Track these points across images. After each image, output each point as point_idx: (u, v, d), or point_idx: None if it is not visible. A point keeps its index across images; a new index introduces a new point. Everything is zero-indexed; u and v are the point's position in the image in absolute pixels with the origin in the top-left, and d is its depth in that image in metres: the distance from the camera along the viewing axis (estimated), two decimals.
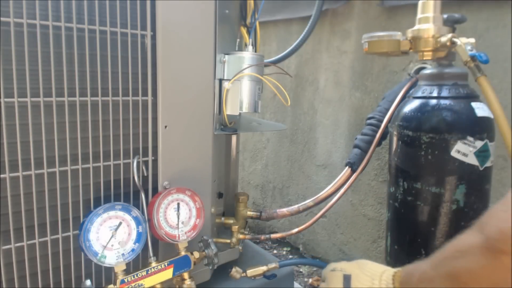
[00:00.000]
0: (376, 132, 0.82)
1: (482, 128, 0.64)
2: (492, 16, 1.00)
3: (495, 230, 0.43)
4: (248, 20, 0.78)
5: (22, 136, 0.51)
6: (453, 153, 0.63)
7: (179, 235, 0.62)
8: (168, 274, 0.60)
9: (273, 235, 0.83)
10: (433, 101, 0.66)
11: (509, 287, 0.42)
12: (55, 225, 0.56)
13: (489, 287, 0.44)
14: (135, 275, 0.56)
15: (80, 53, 0.54)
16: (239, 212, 0.83)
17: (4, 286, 0.53)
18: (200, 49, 0.66)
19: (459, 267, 0.46)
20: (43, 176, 0.54)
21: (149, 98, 0.62)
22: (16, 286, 0.54)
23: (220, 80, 0.72)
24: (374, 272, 0.59)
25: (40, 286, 0.56)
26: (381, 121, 0.82)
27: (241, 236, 0.79)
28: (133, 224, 0.57)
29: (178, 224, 0.62)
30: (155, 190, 0.65)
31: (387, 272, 0.58)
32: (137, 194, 0.62)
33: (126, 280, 0.55)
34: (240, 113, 0.76)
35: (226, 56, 0.72)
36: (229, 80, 0.71)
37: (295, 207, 0.86)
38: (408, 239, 0.72)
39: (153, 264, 0.59)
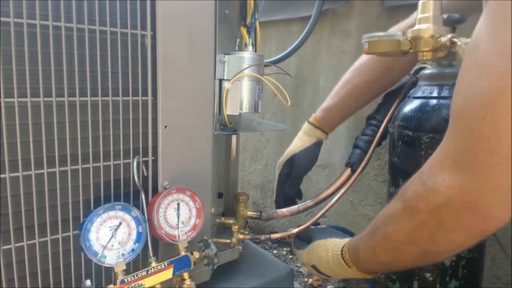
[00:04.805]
0: (376, 132, 0.82)
1: None
2: None
3: (411, 193, 0.51)
4: (248, 20, 0.78)
5: (22, 136, 0.51)
6: None
7: (179, 235, 0.62)
8: (168, 274, 0.60)
9: (273, 235, 0.83)
10: (433, 101, 0.66)
11: (425, 238, 0.51)
12: (55, 225, 0.56)
13: (412, 240, 0.53)
14: (135, 275, 0.56)
15: (80, 53, 0.54)
16: (239, 212, 0.83)
17: (4, 286, 0.53)
18: (200, 49, 0.66)
19: (389, 230, 0.56)
20: (43, 176, 0.54)
21: (149, 98, 0.62)
22: (16, 286, 0.54)
23: (220, 80, 0.72)
24: (329, 245, 0.71)
25: (40, 286, 0.56)
26: (381, 121, 0.82)
27: (241, 236, 0.79)
28: (133, 224, 0.57)
29: (178, 224, 0.62)
30: (155, 190, 0.65)
31: (338, 245, 0.69)
32: (137, 194, 0.62)
33: (126, 280, 0.55)
34: (240, 113, 0.76)
35: (226, 56, 0.72)
36: (229, 80, 0.71)
37: (295, 207, 0.86)
38: None
39: (153, 264, 0.59)
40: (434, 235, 0.50)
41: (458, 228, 0.48)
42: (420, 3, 0.64)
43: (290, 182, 0.87)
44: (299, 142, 0.89)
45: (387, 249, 0.58)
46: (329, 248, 0.70)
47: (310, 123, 0.90)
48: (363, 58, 0.86)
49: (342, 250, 0.68)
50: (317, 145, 0.89)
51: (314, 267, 0.73)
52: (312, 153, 0.88)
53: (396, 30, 0.81)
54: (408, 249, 0.55)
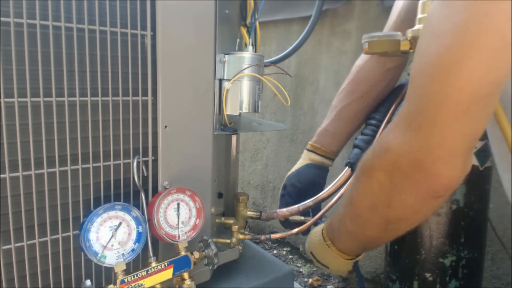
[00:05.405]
0: (376, 132, 0.82)
1: None
2: None
3: (369, 154, 0.55)
4: (248, 20, 0.78)
5: (22, 136, 0.51)
6: None
7: (179, 235, 0.62)
8: (168, 274, 0.60)
9: (273, 235, 0.83)
10: None
11: (382, 201, 0.53)
12: (55, 225, 0.56)
13: (371, 205, 0.55)
14: (135, 275, 0.56)
15: (80, 53, 0.54)
16: (239, 212, 0.83)
17: (4, 286, 0.53)
18: (200, 49, 0.66)
19: (353, 194, 0.59)
20: (43, 176, 0.54)
21: (149, 98, 0.62)
22: (16, 286, 0.54)
23: (220, 80, 0.72)
24: (318, 229, 0.73)
25: (40, 286, 0.56)
26: (381, 121, 0.82)
27: (241, 236, 0.79)
28: (133, 224, 0.57)
29: (178, 224, 0.62)
30: (155, 190, 0.65)
31: (319, 227, 0.73)
32: (137, 194, 0.62)
33: (126, 280, 0.55)
34: (240, 113, 0.76)
35: (226, 56, 0.72)
36: (229, 80, 0.71)
37: (295, 207, 0.86)
38: (407, 239, 0.72)
39: (153, 264, 0.59)
40: (389, 197, 0.52)
41: (408, 188, 0.50)
42: (420, 3, 0.64)
43: (284, 202, 0.89)
44: (294, 167, 0.92)
45: (352, 216, 0.61)
46: (317, 232, 0.72)
47: (306, 148, 0.94)
48: (345, 82, 0.91)
49: (322, 230, 0.70)
50: (310, 166, 0.90)
51: (312, 254, 0.74)
52: (303, 174, 0.90)
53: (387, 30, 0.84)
54: (370, 217, 0.57)
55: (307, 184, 0.88)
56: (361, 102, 0.89)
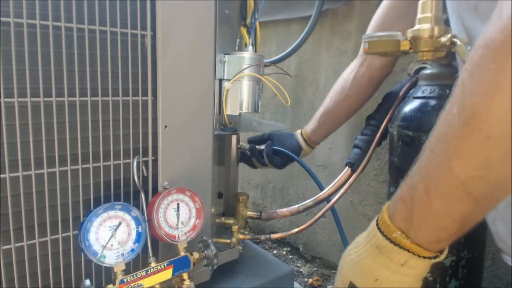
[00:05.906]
0: (376, 132, 0.82)
1: None
2: None
3: (485, 43, 0.33)
4: (248, 20, 0.78)
5: (22, 136, 0.51)
6: None
7: (178, 235, 0.62)
8: (167, 274, 0.60)
9: (273, 235, 0.83)
10: (433, 101, 0.66)
11: None
12: (55, 225, 0.56)
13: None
14: (135, 275, 0.56)
15: (80, 53, 0.54)
16: (239, 212, 0.83)
17: (4, 286, 0.53)
18: (200, 49, 0.66)
19: (469, 107, 0.34)
20: (43, 176, 0.54)
21: (149, 98, 0.62)
22: (16, 286, 0.54)
23: (220, 80, 0.72)
24: (358, 240, 0.49)
25: (40, 286, 0.56)
26: (381, 121, 0.82)
27: (241, 236, 0.79)
28: (133, 224, 0.57)
29: (177, 225, 0.62)
30: (155, 190, 0.65)
31: (370, 227, 0.47)
32: (137, 194, 0.62)
33: (125, 280, 0.55)
34: (240, 113, 0.76)
35: (226, 56, 0.72)
36: (229, 80, 0.71)
37: (295, 207, 0.86)
38: None
39: (153, 264, 0.59)
40: None
41: None
42: (420, 3, 0.64)
43: (254, 136, 1.03)
44: None
45: (471, 147, 0.34)
46: (359, 241, 0.48)
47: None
48: None
49: (377, 221, 0.46)
50: (289, 134, 1.04)
51: (352, 286, 0.47)
52: (280, 134, 1.03)
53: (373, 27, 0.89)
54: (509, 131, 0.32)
55: (274, 142, 1.00)
56: (333, 91, 0.99)
